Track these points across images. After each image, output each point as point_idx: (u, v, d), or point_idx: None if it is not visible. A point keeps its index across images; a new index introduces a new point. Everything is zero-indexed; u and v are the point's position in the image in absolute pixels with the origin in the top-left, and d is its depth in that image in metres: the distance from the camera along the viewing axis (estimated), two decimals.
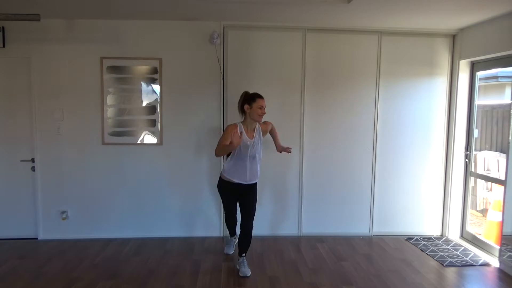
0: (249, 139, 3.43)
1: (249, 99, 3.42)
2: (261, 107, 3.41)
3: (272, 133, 3.85)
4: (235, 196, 3.58)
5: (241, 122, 3.48)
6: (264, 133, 3.61)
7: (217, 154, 3.44)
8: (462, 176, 4.47)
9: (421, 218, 4.60)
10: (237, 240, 3.76)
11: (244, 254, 3.55)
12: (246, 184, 3.48)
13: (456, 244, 4.29)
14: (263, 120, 3.52)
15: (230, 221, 3.82)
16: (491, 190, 5.44)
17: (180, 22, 4.20)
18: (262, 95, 3.47)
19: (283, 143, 4.36)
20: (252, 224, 3.54)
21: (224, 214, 3.87)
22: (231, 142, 3.18)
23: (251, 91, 4.31)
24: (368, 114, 4.45)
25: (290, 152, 3.88)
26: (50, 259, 3.76)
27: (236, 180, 3.47)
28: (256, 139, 3.48)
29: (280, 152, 3.90)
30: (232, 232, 3.94)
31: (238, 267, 3.54)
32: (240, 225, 3.54)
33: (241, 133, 3.33)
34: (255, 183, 3.57)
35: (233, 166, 3.46)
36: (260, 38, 4.29)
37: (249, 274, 3.45)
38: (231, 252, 3.93)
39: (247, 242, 3.55)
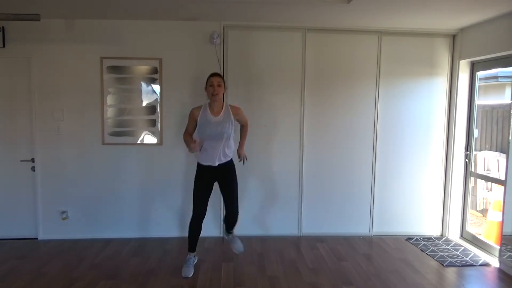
0: (213, 117, 3.38)
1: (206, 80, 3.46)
2: (211, 85, 3.36)
3: (242, 130, 3.70)
4: (208, 183, 3.46)
5: (208, 102, 3.47)
6: (233, 114, 3.46)
7: (184, 139, 3.49)
8: (462, 176, 4.47)
9: (421, 218, 4.60)
10: (196, 260, 3.58)
11: (231, 231, 3.59)
12: (216, 167, 3.41)
13: (456, 244, 4.29)
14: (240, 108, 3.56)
15: (194, 225, 3.44)
16: (491, 190, 5.45)
17: (180, 22, 4.20)
18: (217, 72, 3.49)
19: (283, 143, 4.39)
20: (237, 206, 3.51)
21: (191, 215, 3.46)
22: (188, 141, 3.35)
23: (250, 91, 4.34)
24: (368, 114, 4.45)
25: (242, 162, 3.68)
26: (50, 259, 3.76)
27: (205, 163, 3.43)
28: (223, 117, 3.40)
29: (239, 157, 3.68)
30: (193, 246, 3.50)
31: (230, 243, 3.56)
32: (226, 210, 3.55)
33: (197, 143, 3.32)
34: (229, 166, 3.48)
35: (203, 147, 3.42)
36: (260, 38, 4.29)
37: (242, 249, 3.48)
38: (190, 275, 3.39)
39: (234, 222, 3.57)
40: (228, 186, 3.50)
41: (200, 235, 3.51)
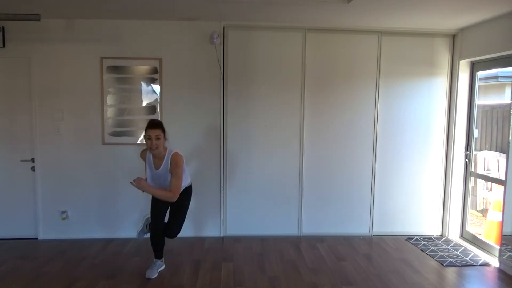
0: (154, 169, 3.27)
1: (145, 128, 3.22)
2: (149, 138, 3.13)
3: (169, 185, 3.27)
4: (160, 202, 3.33)
5: None
6: (169, 168, 3.22)
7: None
8: (462, 176, 4.47)
9: (421, 218, 4.60)
10: (163, 267, 3.52)
11: (162, 257, 3.51)
12: None
13: (456, 244, 4.29)
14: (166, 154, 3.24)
15: (154, 237, 3.40)
16: (491, 190, 5.44)
17: (180, 22, 4.20)
18: (156, 123, 3.21)
19: (283, 143, 4.39)
20: (177, 232, 3.44)
21: (151, 228, 3.42)
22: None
23: (250, 91, 4.33)
24: (368, 114, 4.45)
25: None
26: (50, 259, 3.76)
27: None
28: (162, 171, 3.24)
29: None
30: (159, 254, 3.47)
31: (150, 267, 3.44)
32: (166, 229, 3.44)
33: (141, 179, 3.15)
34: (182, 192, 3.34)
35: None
36: (260, 38, 4.29)
37: (152, 277, 3.36)
38: (153, 276, 3.38)
39: (163, 245, 3.48)
40: (175, 210, 3.43)
41: (163, 244, 3.48)
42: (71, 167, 4.28)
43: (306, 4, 3.48)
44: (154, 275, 3.40)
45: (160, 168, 3.25)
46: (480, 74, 4.34)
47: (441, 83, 4.48)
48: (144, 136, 3.22)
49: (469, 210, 4.55)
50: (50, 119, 4.21)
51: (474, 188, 5.47)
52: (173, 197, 3.21)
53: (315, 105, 4.40)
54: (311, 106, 4.39)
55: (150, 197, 4.32)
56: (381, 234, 4.56)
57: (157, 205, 3.39)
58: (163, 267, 3.54)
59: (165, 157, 3.24)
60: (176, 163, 3.22)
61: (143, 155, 3.41)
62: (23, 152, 4.25)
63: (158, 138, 3.16)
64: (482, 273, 3.63)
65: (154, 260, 3.50)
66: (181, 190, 3.34)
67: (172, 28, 4.21)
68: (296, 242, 4.32)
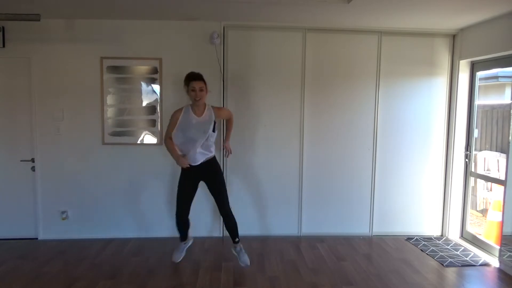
0: (196, 118, 3.40)
1: (185, 81, 3.39)
2: (194, 90, 3.31)
3: (228, 124, 3.81)
4: (192, 182, 3.51)
5: (190, 104, 3.46)
6: (217, 117, 3.51)
7: (165, 144, 3.55)
8: (462, 176, 4.47)
9: (421, 218, 4.60)
10: (188, 244, 3.74)
11: (237, 239, 3.61)
12: (199, 165, 3.43)
13: (456, 244, 4.29)
14: (216, 105, 3.62)
15: (180, 222, 3.56)
16: (491, 190, 5.44)
17: (180, 22, 4.20)
18: (198, 75, 3.39)
19: (283, 143, 4.39)
20: (228, 205, 3.55)
21: (175, 214, 3.56)
22: (175, 155, 3.44)
23: (250, 91, 4.33)
24: (368, 114, 4.45)
25: (227, 156, 3.93)
26: (50, 259, 3.76)
27: (188, 160, 3.44)
28: (206, 117, 3.42)
29: (223, 149, 3.92)
30: (184, 236, 3.69)
31: (236, 255, 3.61)
32: (220, 212, 3.58)
33: (186, 158, 3.41)
34: (212, 162, 3.51)
35: (181, 145, 3.44)
36: (260, 38, 4.29)
37: (249, 263, 3.54)
38: (179, 259, 3.65)
39: (233, 225, 3.57)
40: (215, 183, 3.53)
41: (189, 228, 3.67)
42: (71, 167, 4.28)
43: (306, 4, 3.48)
44: (179, 258, 3.65)
45: (203, 115, 3.42)
46: (480, 74, 4.34)
47: (441, 83, 4.48)
48: (187, 89, 3.37)
49: (469, 210, 4.55)
50: (50, 119, 4.21)
51: (474, 188, 5.47)
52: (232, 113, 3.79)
53: (315, 105, 4.40)
54: (311, 106, 4.39)
55: (149, 197, 4.34)
56: (381, 234, 4.56)
57: (187, 190, 3.50)
58: (191, 242, 3.81)
59: (206, 107, 3.45)
60: (219, 108, 3.65)
61: (177, 114, 3.43)
62: (23, 152, 4.25)
63: (201, 90, 3.35)
64: (482, 273, 3.63)
65: (180, 243, 3.69)
66: (211, 154, 3.50)
67: (172, 28, 4.21)
68: (296, 242, 4.32)
